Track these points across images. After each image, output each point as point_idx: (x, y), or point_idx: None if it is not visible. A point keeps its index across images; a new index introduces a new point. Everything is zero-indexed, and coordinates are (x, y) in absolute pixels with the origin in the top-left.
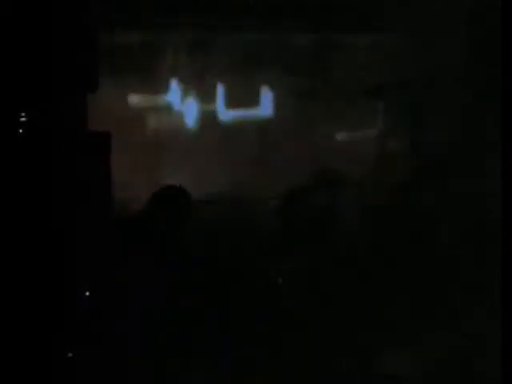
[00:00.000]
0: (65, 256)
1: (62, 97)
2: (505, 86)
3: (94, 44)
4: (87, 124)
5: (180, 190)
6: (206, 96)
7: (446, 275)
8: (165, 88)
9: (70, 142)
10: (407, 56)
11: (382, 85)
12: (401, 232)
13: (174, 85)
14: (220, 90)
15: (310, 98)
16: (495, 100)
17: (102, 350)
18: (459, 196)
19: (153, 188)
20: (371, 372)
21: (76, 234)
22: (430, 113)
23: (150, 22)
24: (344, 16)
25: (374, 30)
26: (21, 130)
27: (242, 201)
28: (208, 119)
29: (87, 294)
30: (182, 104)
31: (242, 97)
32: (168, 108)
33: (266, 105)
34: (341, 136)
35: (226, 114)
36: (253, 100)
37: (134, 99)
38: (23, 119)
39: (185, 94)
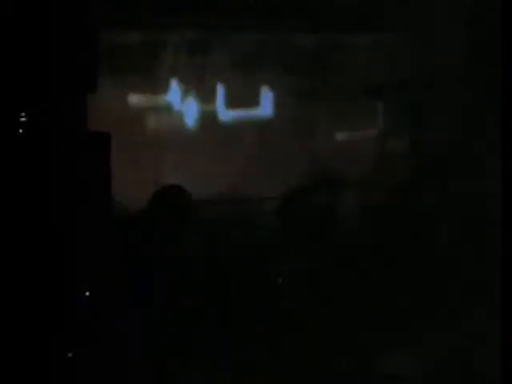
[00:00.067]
0: (65, 256)
1: (61, 97)
2: (505, 85)
3: (93, 44)
4: (87, 124)
5: (180, 189)
6: (206, 96)
7: (446, 275)
8: (165, 88)
9: (70, 141)
10: (407, 56)
11: (382, 85)
12: (401, 232)
13: (174, 85)
14: (220, 90)
15: (310, 98)
16: (495, 100)
17: (102, 349)
18: (459, 196)
19: (153, 188)
20: (371, 372)
21: (76, 234)
22: (430, 113)
23: (150, 22)
24: (344, 16)
25: (374, 29)
26: (21, 130)
27: (242, 201)
28: (208, 119)
29: (87, 293)
30: (181, 104)
31: (242, 97)
32: (168, 108)
33: (265, 105)
34: (341, 136)
35: (226, 114)
36: (253, 100)
37: (134, 99)
38: (23, 119)
39: (185, 93)
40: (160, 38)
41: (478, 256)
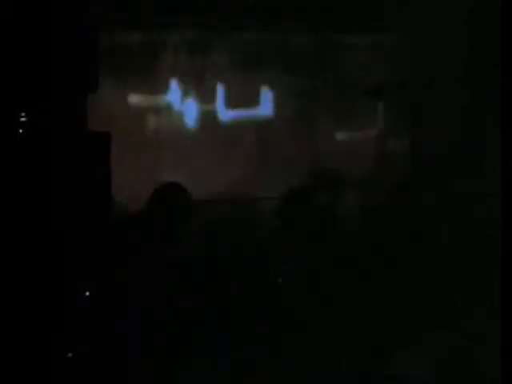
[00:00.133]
0: (65, 256)
1: (61, 97)
2: (505, 85)
3: (94, 44)
4: (87, 124)
5: (180, 187)
6: (206, 96)
7: (446, 275)
8: (165, 88)
9: (70, 141)
10: (407, 56)
11: (382, 85)
12: (401, 232)
13: (174, 85)
14: (220, 90)
15: (310, 98)
16: (495, 100)
17: (102, 349)
18: (459, 196)
19: (153, 188)
20: (371, 372)
21: (76, 234)
22: (430, 113)
23: (150, 22)
24: (344, 16)
25: (374, 29)
26: (21, 130)
27: (242, 201)
28: (208, 119)
29: (87, 293)
30: (181, 104)
31: (242, 97)
32: (168, 108)
33: (265, 105)
34: (341, 136)
35: (226, 114)
36: (253, 100)
37: (134, 99)
38: (23, 119)
39: (185, 93)
40: (160, 37)
41: (478, 256)
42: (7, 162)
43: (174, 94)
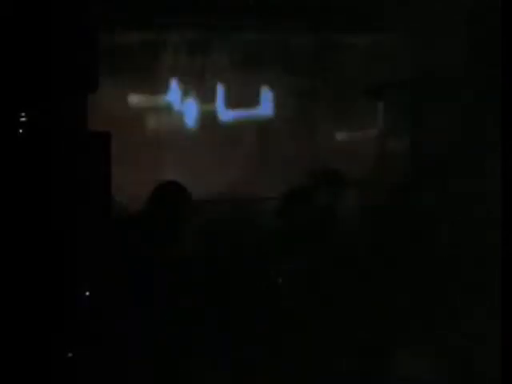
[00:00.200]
0: (65, 256)
1: (61, 97)
2: (505, 85)
3: (93, 44)
4: (87, 124)
5: (179, 186)
6: (206, 96)
7: (446, 275)
8: (165, 88)
9: (70, 141)
10: (407, 56)
11: (382, 85)
12: (401, 232)
13: (174, 85)
14: (220, 90)
15: (310, 98)
16: (495, 100)
17: (102, 349)
18: (459, 196)
19: (153, 188)
20: (371, 372)
21: (76, 234)
22: (430, 113)
23: (150, 22)
24: (344, 16)
25: (374, 30)
26: (21, 130)
27: (242, 201)
28: (208, 119)
29: (87, 293)
30: (181, 104)
31: (242, 97)
32: (168, 108)
33: (265, 105)
34: (341, 136)
35: (226, 114)
36: (253, 100)
37: (134, 99)
38: (23, 119)
39: (185, 93)
40: (160, 37)
41: (478, 256)
42: (7, 162)
43: (173, 93)
